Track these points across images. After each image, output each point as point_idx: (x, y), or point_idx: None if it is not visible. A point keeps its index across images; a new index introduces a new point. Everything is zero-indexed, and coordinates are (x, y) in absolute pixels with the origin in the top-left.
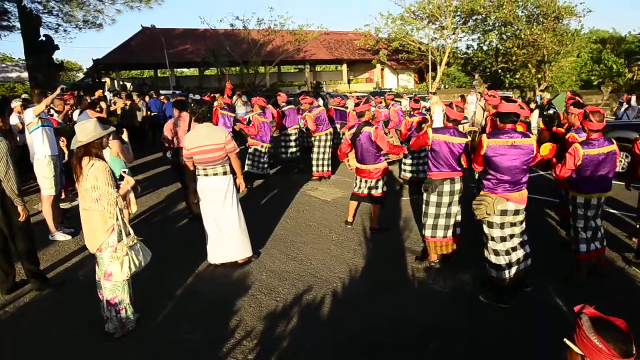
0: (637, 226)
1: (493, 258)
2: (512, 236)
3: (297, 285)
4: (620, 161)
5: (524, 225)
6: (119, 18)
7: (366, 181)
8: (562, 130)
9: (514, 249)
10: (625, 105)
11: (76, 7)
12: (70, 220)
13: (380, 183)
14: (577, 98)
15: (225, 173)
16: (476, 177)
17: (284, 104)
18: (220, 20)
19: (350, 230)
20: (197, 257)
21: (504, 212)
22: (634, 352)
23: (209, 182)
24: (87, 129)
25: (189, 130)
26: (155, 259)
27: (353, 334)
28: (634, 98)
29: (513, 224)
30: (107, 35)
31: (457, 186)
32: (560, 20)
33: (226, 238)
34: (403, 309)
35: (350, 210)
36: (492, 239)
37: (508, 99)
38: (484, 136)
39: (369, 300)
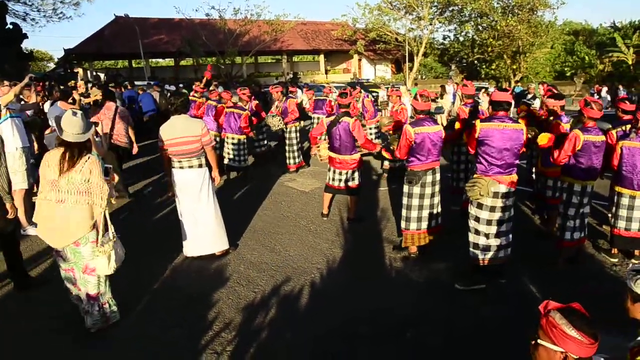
0: (609, 215)
1: (472, 237)
2: (499, 222)
3: (276, 277)
4: None
5: (512, 212)
6: (90, 7)
7: (340, 172)
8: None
9: (497, 234)
10: (596, 96)
11: None
12: None
13: (357, 174)
14: (553, 90)
15: (200, 165)
16: (454, 167)
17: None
18: (196, 10)
19: (328, 221)
20: (173, 249)
21: (496, 195)
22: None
23: (184, 175)
24: (77, 123)
25: (114, 118)
26: (131, 252)
27: (332, 325)
28: (604, 89)
29: (503, 209)
30: (79, 25)
31: (438, 176)
32: (535, 12)
33: (202, 231)
34: (381, 299)
35: (325, 203)
36: (477, 219)
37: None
38: (477, 120)
39: (347, 291)
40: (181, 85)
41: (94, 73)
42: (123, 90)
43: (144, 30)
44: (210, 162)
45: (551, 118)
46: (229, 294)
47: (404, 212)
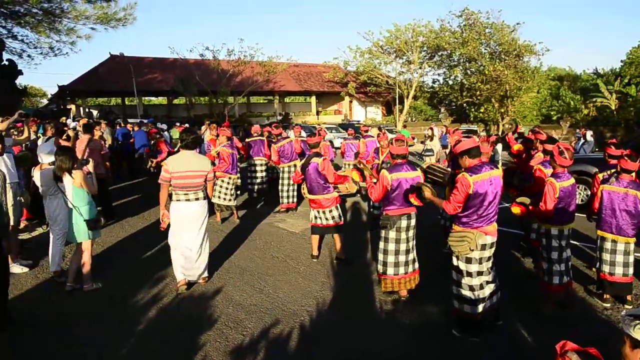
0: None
1: (468, 294)
2: (487, 271)
3: (264, 319)
4: (580, 193)
5: (493, 258)
6: (86, 45)
7: (318, 212)
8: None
9: (488, 282)
10: (582, 140)
11: (45, 32)
12: (28, 252)
13: (335, 213)
14: (542, 132)
15: (204, 198)
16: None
17: (255, 134)
18: (190, 50)
19: (317, 263)
20: (160, 290)
21: (483, 247)
22: None
23: (191, 207)
24: None
25: (85, 150)
26: (118, 290)
27: None
28: (589, 133)
29: (489, 258)
30: (74, 62)
31: (413, 221)
32: (521, 58)
33: (196, 256)
34: (372, 342)
35: (314, 244)
36: (469, 274)
37: (473, 131)
38: (467, 174)
39: (337, 334)
40: (178, 123)
41: (87, 110)
42: (117, 127)
43: (138, 68)
44: (209, 196)
45: (534, 162)
46: (216, 336)
47: (380, 257)
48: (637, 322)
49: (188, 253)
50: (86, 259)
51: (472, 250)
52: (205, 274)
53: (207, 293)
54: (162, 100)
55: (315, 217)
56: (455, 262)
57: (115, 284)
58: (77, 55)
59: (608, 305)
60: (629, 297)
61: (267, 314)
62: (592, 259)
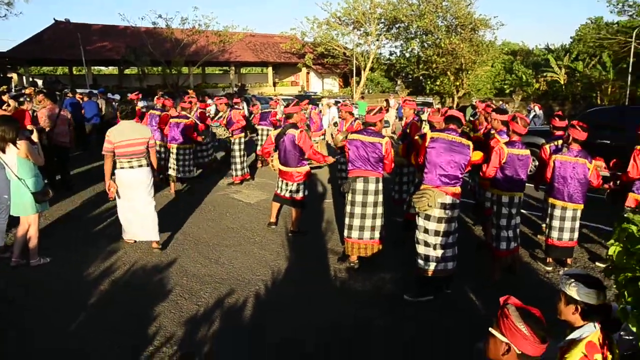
0: (543, 225)
1: (422, 248)
2: (446, 233)
3: (219, 289)
4: None
5: (456, 224)
6: (28, 9)
7: (287, 183)
8: (479, 135)
9: (445, 246)
10: (533, 113)
11: None
12: None
13: (302, 187)
14: (492, 105)
15: (148, 165)
16: (396, 179)
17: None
18: (142, 18)
19: (273, 233)
20: (112, 263)
21: (443, 206)
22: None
23: (136, 173)
24: None
25: (56, 120)
26: (68, 264)
27: (275, 338)
28: (537, 107)
29: (449, 220)
30: (15, 28)
31: (371, 186)
32: (476, 32)
33: (143, 219)
34: (324, 311)
35: (272, 211)
36: (426, 231)
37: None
38: (428, 130)
39: (291, 303)
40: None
41: (31, 79)
42: (65, 97)
43: (86, 36)
44: (152, 162)
45: (493, 132)
46: (170, 307)
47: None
48: (572, 280)
49: (136, 217)
50: (32, 233)
51: (430, 206)
52: (157, 237)
53: (161, 264)
54: (112, 70)
55: (281, 189)
56: (417, 220)
57: (64, 258)
58: (18, 21)
59: (550, 268)
60: (569, 261)
61: (222, 284)
62: (538, 227)
